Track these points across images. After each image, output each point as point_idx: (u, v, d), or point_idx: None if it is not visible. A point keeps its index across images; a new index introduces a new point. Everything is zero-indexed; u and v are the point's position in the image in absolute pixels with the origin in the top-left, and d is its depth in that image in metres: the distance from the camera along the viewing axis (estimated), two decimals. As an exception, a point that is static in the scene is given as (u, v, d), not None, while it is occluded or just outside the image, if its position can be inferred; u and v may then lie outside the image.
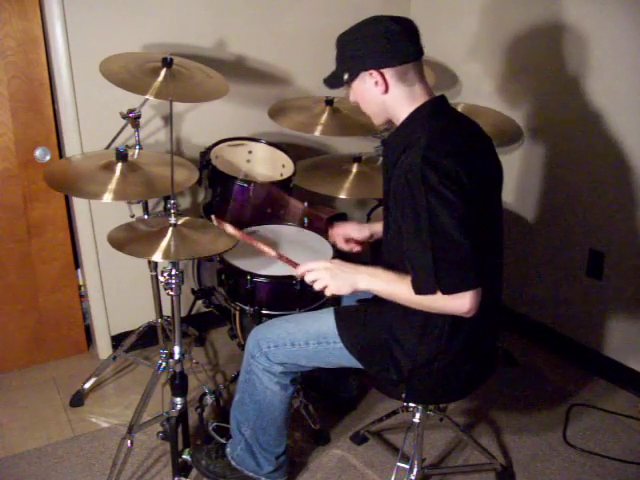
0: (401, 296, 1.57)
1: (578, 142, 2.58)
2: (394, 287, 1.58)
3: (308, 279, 1.67)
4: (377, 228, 1.96)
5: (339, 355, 1.75)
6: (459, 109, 2.75)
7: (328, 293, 1.65)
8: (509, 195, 2.94)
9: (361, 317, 1.74)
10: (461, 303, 1.48)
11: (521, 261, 2.95)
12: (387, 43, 1.54)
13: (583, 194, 2.61)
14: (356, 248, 2.02)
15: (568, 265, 2.74)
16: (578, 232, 2.67)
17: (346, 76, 1.61)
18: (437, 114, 1.60)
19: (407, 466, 1.95)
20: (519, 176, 2.88)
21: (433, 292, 1.49)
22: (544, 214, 2.80)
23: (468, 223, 1.47)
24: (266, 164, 2.64)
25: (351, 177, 2.52)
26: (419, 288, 1.51)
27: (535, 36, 2.65)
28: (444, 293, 1.48)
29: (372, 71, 1.56)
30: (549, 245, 2.81)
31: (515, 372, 2.74)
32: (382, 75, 1.56)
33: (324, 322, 1.77)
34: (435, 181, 1.45)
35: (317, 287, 1.66)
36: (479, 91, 2.94)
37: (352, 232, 2.00)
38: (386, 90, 1.58)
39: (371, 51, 1.55)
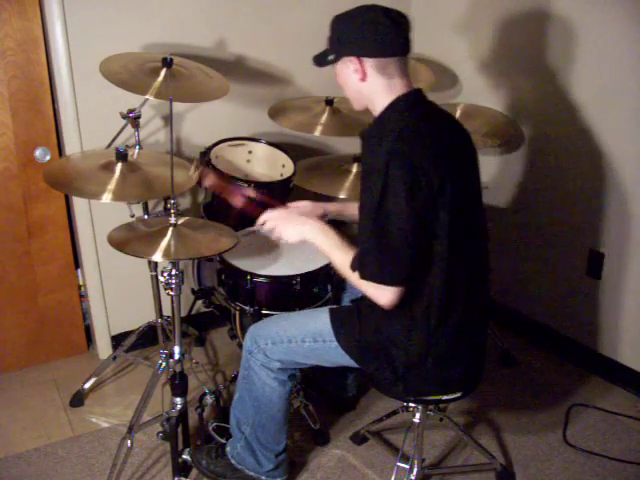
0: (336, 262, 1.69)
1: (578, 142, 2.58)
2: (335, 252, 1.69)
3: (266, 226, 1.81)
4: (331, 208, 2.04)
5: (335, 353, 1.76)
6: (459, 109, 2.76)
7: (275, 236, 1.79)
8: (509, 195, 2.94)
9: (355, 317, 1.75)
10: (378, 294, 1.57)
11: (521, 261, 2.95)
12: (372, 33, 1.56)
13: (583, 194, 2.61)
14: None
15: (568, 265, 2.74)
16: (578, 232, 2.67)
17: (331, 57, 1.64)
18: (412, 107, 1.62)
19: (407, 466, 1.95)
20: (519, 176, 2.88)
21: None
22: (544, 214, 2.80)
23: (415, 224, 1.50)
24: (266, 164, 2.64)
25: (351, 177, 2.51)
26: (351, 264, 1.61)
27: (538, 35, 2.64)
28: (361, 278, 1.57)
29: (352, 58, 1.58)
30: (549, 245, 2.81)
31: (515, 372, 2.74)
32: (361, 63, 1.58)
33: (320, 321, 1.79)
34: (396, 175, 1.48)
35: (273, 234, 1.80)
36: (479, 91, 2.94)
37: (305, 210, 2.03)
38: (364, 78, 1.60)
39: (355, 38, 1.57)
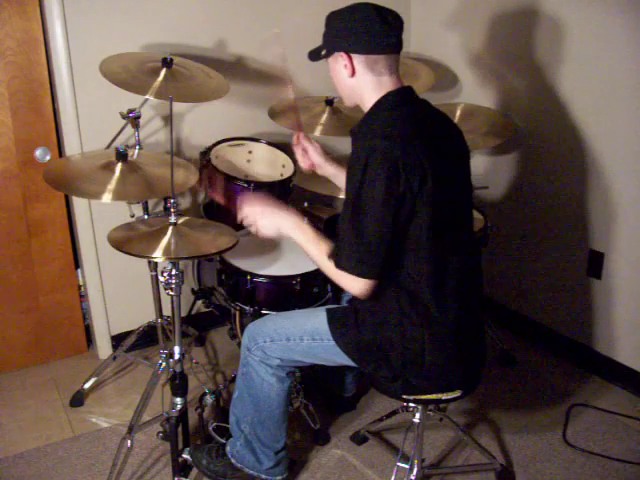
0: (311, 254, 1.71)
1: (578, 141, 2.58)
2: (310, 245, 1.70)
3: (245, 223, 1.81)
4: (331, 170, 2.00)
5: (333, 352, 1.77)
6: (459, 109, 2.76)
7: (253, 230, 1.78)
8: (508, 195, 2.94)
9: (351, 317, 1.75)
10: (352, 284, 1.61)
11: (521, 261, 2.95)
12: (362, 31, 1.58)
13: (583, 194, 2.61)
14: (307, 166, 2.03)
15: (568, 265, 2.74)
16: (578, 232, 2.67)
17: (323, 52, 1.68)
18: (400, 104, 1.64)
19: (407, 466, 1.95)
20: (519, 176, 2.89)
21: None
22: (544, 214, 2.80)
23: (391, 220, 1.53)
24: (266, 164, 2.64)
25: (351, 177, 2.51)
26: (330, 253, 1.64)
27: (538, 36, 2.65)
28: (336, 267, 1.61)
29: (342, 53, 1.62)
30: (549, 245, 2.81)
31: (515, 372, 2.74)
32: (350, 59, 1.61)
33: (318, 320, 1.80)
34: (375, 171, 1.50)
35: (252, 230, 1.80)
36: (479, 91, 2.94)
37: (311, 149, 2.01)
38: (352, 74, 1.63)
39: (346, 34, 1.60)
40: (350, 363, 1.78)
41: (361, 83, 1.64)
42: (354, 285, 1.61)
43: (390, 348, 1.67)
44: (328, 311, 1.81)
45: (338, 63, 1.65)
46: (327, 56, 1.68)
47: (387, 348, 1.68)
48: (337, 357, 1.78)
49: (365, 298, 1.63)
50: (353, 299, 1.83)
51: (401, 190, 1.51)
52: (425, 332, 1.64)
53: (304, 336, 1.79)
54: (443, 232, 1.61)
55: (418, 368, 1.67)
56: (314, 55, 1.72)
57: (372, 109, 1.66)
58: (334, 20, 1.65)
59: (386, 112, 1.63)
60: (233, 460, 1.98)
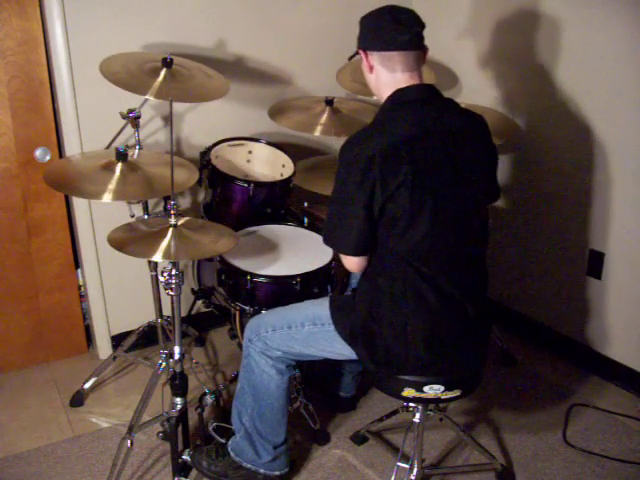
0: None
1: (579, 142, 2.58)
2: None
3: None
4: None
5: (333, 337, 1.80)
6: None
7: None
8: (508, 195, 2.94)
9: (350, 303, 1.80)
10: (343, 260, 1.76)
11: (521, 261, 2.95)
12: (373, 29, 1.69)
13: (583, 194, 2.61)
14: None
15: (568, 265, 2.74)
16: (578, 232, 2.67)
17: (355, 50, 1.79)
18: (401, 102, 1.68)
19: (407, 466, 1.95)
20: (518, 176, 2.89)
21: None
22: (544, 214, 2.80)
23: (358, 204, 1.61)
24: (266, 164, 2.64)
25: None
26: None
27: (539, 36, 2.65)
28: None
29: (360, 50, 1.74)
30: (549, 245, 2.81)
31: (515, 372, 2.74)
32: (367, 56, 1.72)
33: (320, 306, 1.85)
34: (349, 160, 1.63)
35: None
36: (479, 91, 2.94)
37: None
38: (371, 71, 1.73)
39: (363, 33, 1.72)
40: (348, 350, 1.79)
41: (379, 79, 1.72)
42: (343, 260, 1.76)
43: (378, 325, 1.70)
44: (331, 297, 1.87)
45: (361, 60, 1.74)
46: (356, 54, 1.78)
47: (374, 330, 1.70)
48: (336, 344, 1.81)
49: (357, 272, 1.76)
50: (354, 288, 1.88)
51: (372, 179, 1.58)
52: (412, 314, 1.66)
53: (305, 322, 1.84)
54: (420, 229, 1.62)
55: (402, 346, 1.68)
56: (351, 55, 1.84)
57: (382, 104, 1.72)
58: (360, 22, 1.74)
59: (385, 110, 1.69)
60: (232, 454, 2.00)
